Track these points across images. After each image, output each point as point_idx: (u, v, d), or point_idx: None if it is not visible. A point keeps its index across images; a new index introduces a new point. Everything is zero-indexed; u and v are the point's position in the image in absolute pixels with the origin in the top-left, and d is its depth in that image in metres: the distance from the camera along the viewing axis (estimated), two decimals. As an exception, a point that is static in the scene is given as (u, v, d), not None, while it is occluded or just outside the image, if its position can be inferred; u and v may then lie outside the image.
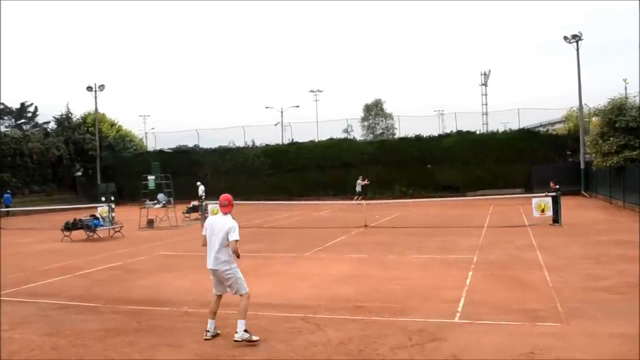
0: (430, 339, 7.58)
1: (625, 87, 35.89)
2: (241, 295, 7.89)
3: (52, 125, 53.33)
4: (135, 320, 9.18)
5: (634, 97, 29.38)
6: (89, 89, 49.26)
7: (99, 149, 49.33)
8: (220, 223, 7.98)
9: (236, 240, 7.75)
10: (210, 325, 7.95)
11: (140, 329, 8.67)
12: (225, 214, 8.11)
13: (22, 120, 55.57)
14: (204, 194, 36.09)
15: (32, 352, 7.61)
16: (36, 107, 54.07)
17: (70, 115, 52.58)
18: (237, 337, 7.61)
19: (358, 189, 38.97)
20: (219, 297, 8.14)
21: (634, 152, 26.97)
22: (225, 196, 8.25)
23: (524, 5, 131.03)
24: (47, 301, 10.82)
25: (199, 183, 37.60)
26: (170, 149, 51.61)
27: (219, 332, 8.03)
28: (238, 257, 7.85)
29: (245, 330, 7.61)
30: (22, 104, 54.59)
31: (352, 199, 37.40)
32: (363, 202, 34.59)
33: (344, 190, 40.69)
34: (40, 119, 54.41)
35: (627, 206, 25.97)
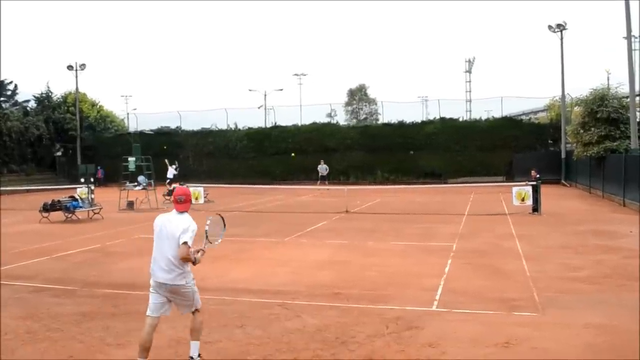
0: (407, 327, 7.60)
1: (608, 77, 36.18)
2: (196, 310, 6.45)
3: (32, 104, 52.45)
4: (112, 304, 9.11)
5: (616, 87, 29.51)
6: (70, 67, 48.55)
7: (80, 129, 48.80)
8: (174, 224, 6.29)
9: (186, 244, 6.10)
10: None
11: (117, 313, 8.60)
12: (181, 212, 6.40)
13: (1, 99, 54.64)
14: (172, 176, 35.94)
15: (5, 335, 7.50)
16: (16, 85, 52.96)
17: (50, 94, 51.81)
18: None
19: (322, 172, 39.10)
20: (156, 323, 6.38)
21: (615, 143, 27.16)
22: (183, 190, 6.65)
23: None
24: (23, 284, 10.69)
25: (167, 162, 36.29)
26: (151, 130, 51.10)
27: None
28: (194, 264, 6.29)
29: (199, 356, 6.35)
30: (2, 82, 53.57)
31: (335, 184, 37.47)
32: (324, 186, 34.88)
33: (327, 175, 40.64)
34: (19, 98, 53.41)
35: (606, 196, 26.25)
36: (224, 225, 6.94)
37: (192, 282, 6.36)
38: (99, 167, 44.83)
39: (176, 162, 38.19)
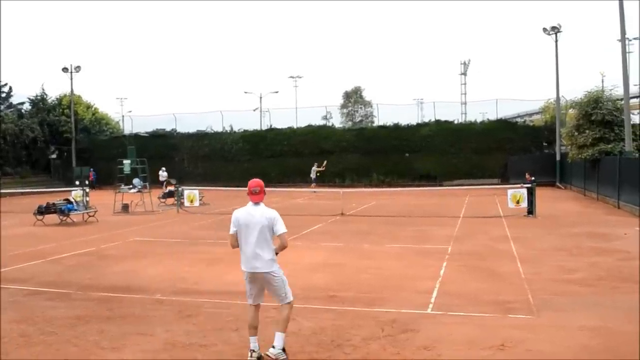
0: (403, 330, 7.60)
1: (602, 80, 36.31)
2: (287, 303, 6.68)
3: (27, 106, 52.35)
4: (107, 307, 9.08)
5: (610, 90, 29.61)
6: (65, 70, 48.42)
7: (75, 132, 48.63)
8: (257, 215, 6.57)
9: (285, 233, 6.54)
10: (254, 344, 6.58)
11: (112, 316, 8.57)
12: (256, 203, 6.67)
13: (-4, 101, 54.53)
14: (165, 180, 36.83)
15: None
16: (10, 88, 52.86)
17: (45, 96, 51.65)
18: (272, 352, 6.47)
19: (312, 175, 39.15)
20: (257, 307, 6.82)
21: (609, 145, 27.26)
22: (257, 181, 6.81)
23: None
24: (17, 287, 10.65)
25: (163, 169, 38.03)
26: (146, 132, 51.03)
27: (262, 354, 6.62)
28: (278, 251, 6.64)
29: (284, 350, 6.52)
30: (-4, 85, 53.54)
31: (331, 186, 37.51)
32: (316, 189, 35.00)
33: (322, 178, 40.61)
34: (14, 100, 53.31)
35: (601, 198, 26.32)
36: None
37: (280, 271, 6.66)
38: (90, 170, 44.80)
39: (163, 168, 38.45)
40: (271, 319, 8.26)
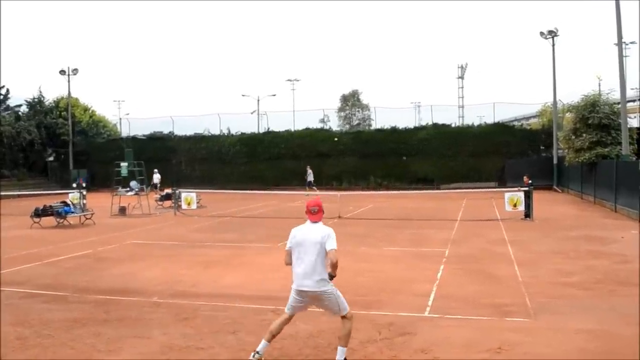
0: (400, 333, 7.60)
1: (599, 83, 36.29)
2: (344, 316, 6.57)
3: (24, 108, 52.26)
4: (103, 310, 9.06)
5: (607, 94, 29.66)
6: (62, 72, 48.45)
7: (72, 134, 48.62)
8: (313, 234, 6.52)
9: (334, 250, 6.39)
10: (262, 346, 6.55)
11: (108, 319, 8.55)
12: (314, 222, 6.62)
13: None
14: (158, 182, 37.33)
15: (-5, 342, 7.45)
16: (8, 90, 52.67)
17: (42, 99, 51.64)
18: None
19: (310, 178, 39.22)
20: (289, 318, 6.73)
21: (606, 149, 27.30)
22: (315, 201, 6.82)
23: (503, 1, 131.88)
24: (13, 289, 10.63)
25: (155, 171, 38.22)
26: (144, 135, 51.01)
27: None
28: (334, 273, 6.49)
29: None
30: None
31: (329, 189, 37.52)
32: (313, 192, 35.14)
33: (319, 181, 40.63)
34: (11, 102, 53.16)
35: (598, 202, 26.36)
36: None
37: (333, 288, 6.56)
38: (79, 177, 44.44)
39: (156, 170, 38.53)
40: (267, 322, 8.26)
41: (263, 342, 6.55)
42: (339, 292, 6.60)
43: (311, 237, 6.49)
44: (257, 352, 6.49)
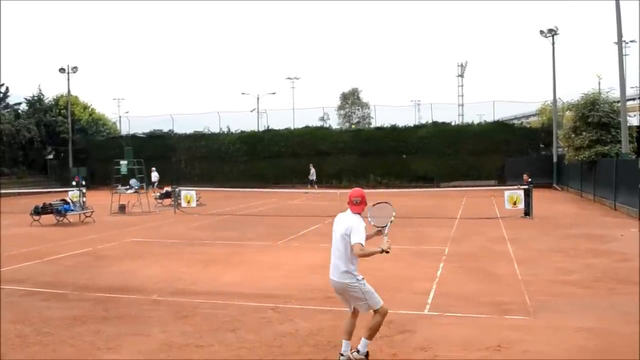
0: (400, 331, 7.60)
1: (599, 82, 36.30)
2: (375, 311, 6.39)
3: (24, 106, 52.23)
4: (103, 308, 9.06)
5: (607, 92, 29.66)
6: (62, 70, 48.34)
7: (71, 132, 48.54)
8: (341, 223, 6.41)
9: (360, 245, 6.09)
10: (345, 347, 6.44)
11: (108, 317, 8.55)
12: (354, 213, 6.43)
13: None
14: (156, 180, 37.44)
15: (-5, 339, 7.46)
16: (7, 88, 52.65)
17: (42, 97, 51.54)
18: (354, 356, 6.41)
19: (313, 177, 39.27)
20: (354, 313, 6.58)
21: (605, 147, 27.29)
22: (358, 191, 6.63)
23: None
24: (14, 287, 10.63)
25: (153, 169, 38.27)
26: (144, 133, 50.93)
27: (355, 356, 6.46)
28: (387, 252, 6.25)
29: (367, 356, 6.42)
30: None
31: (328, 187, 37.55)
32: (313, 190, 35.26)
33: (319, 179, 40.62)
34: (11, 100, 53.12)
35: (598, 200, 26.36)
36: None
37: (360, 283, 6.35)
38: (78, 173, 44.43)
39: (154, 168, 38.59)
40: (267, 319, 8.28)
41: (344, 343, 6.46)
42: (369, 286, 6.39)
43: (338, 228, 6.42)
44: (342, 355, 6.43)
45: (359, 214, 6.43)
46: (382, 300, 6.42)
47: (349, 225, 6.24)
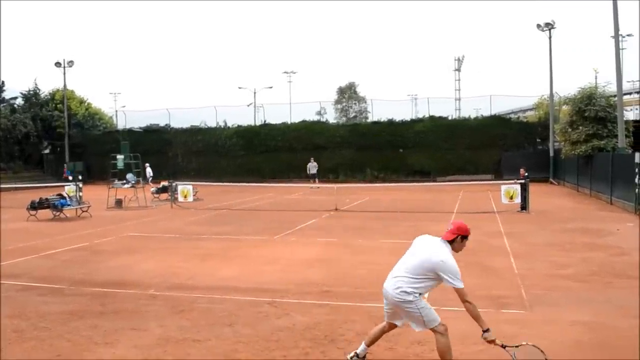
0: (396, 325, 7.60)
1: (595, 76, 36.32)
2: (433, 330, 5.90)
3: (20, 101, 52.04)
4: (100, 302, 9.05)
5: (604, 86, 29.69)
6: (58, 64, 48.21)
7: (68, 127, 48.44)
8: (429, 248, 5.93)
9: (465, 291, 5.75)
10: (360, 349, 6.28)
11: (105, 311, 8.54)
12: (444, 240, 5.97)
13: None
14: (150, 176, 37.26)
15: (-9, 334, 7.45)
16: (3, 82, 52.35)
17: (38, 91, 51.41)
18: None
19: (313, 171, 39.27)
20: (388, 325, 6.23)
21: (602, 142, 27.34)
22: (460, 223, 6.16)
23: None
24: (10, 282, 10.59)
25: (147, 165, 38.00)
26: (140, 127, 50.90)
27: None
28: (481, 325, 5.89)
29: None
30: (-11, 79, 53.19)
31: (325, 182, 37.56)
32: (314, 185, 35.33)
33: (316, 173, 40.62)
34: (6, 95, 52.97)
35: (594, 194, 26.42)
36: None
37: (419, 307, 5.82)
38: (74, 168, 44.33)
39: (147, 164, 38.51)
40: (264, 314, 8.28)
41: (363, 344, 6.29)
42: (425, 302, 5.94)
43: (423, 250, 5.95)
44: (357, 355, 6.26)
45: (448, 244, 5.97)
46: (439, 317, 5.97)
47: (444, 263, 5.77)
